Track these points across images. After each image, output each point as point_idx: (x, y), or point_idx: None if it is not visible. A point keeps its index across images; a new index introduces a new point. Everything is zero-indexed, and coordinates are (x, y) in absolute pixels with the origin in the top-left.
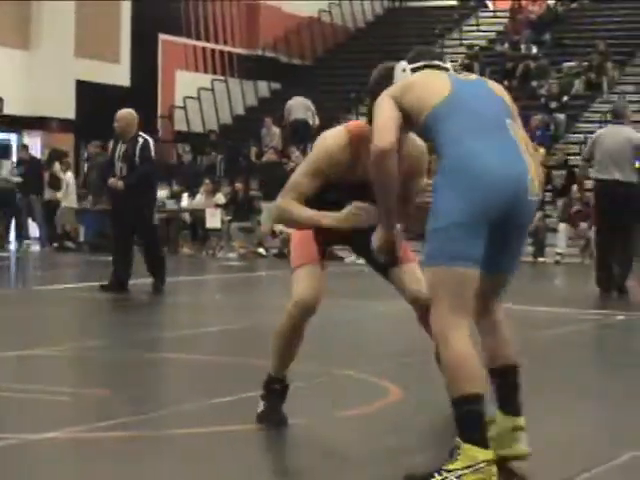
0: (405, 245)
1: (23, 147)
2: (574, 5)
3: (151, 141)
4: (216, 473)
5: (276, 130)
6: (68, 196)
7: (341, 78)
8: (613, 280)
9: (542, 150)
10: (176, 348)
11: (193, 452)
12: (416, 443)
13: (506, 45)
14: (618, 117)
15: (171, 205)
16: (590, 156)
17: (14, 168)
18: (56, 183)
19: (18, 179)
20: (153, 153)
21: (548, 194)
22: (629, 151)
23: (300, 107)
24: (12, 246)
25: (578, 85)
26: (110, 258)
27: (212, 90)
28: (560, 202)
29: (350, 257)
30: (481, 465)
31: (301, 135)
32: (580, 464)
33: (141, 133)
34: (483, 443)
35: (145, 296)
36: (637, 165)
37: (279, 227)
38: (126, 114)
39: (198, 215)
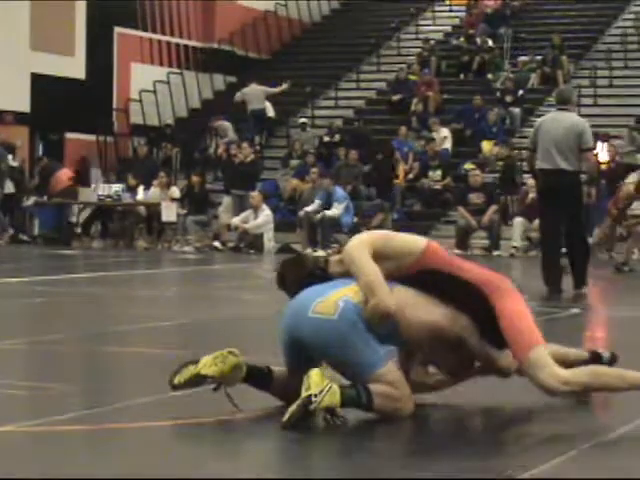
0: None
1: None
2: None
3: None
4: (171, 466)
5: (228, 125)
6: None
7: (297, 72)
8: (560, 276)
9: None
10: (131, 341)
11: (148, 445)
12: None
13: (462, 39)
14: (563, 102)
15: (127, 198)
16: (534, 145)
17: None
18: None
19: None
20: None
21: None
22: (573, 138)
23: (257, 96)
24: None
25: (534, 79)
26: (66, 252)
27: (168, 83)
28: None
29: None
30: None
31: (260, 126)
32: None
33: None
34: None
35: (99, 289)
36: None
37: (235, 221)
38: None
39: (154, 208)
